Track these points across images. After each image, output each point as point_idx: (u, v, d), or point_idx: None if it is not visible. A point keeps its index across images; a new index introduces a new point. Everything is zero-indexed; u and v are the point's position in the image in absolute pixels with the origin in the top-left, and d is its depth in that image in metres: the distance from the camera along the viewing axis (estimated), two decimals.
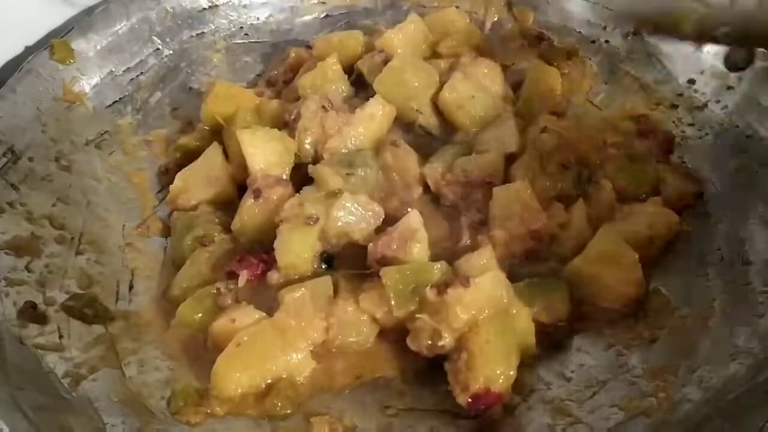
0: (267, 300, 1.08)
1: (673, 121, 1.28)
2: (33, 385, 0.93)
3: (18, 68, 1.26)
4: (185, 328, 1.08)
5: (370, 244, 1.08)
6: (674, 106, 1.28)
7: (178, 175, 1.25)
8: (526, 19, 1.49)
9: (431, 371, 1.02)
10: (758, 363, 0.92)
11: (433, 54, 1.37)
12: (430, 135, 1.27)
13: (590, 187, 1.18)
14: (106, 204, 1.24)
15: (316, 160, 1.20)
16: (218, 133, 1.29)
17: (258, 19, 1.52)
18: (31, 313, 1.03)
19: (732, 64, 1.23)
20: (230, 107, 1.28)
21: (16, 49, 1.32)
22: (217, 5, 1.48)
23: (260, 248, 1.13)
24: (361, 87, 1.33)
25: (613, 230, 1.10)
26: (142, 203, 1.28)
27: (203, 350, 1.05)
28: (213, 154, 1.25)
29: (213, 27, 1.48)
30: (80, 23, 1.34)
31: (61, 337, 1.03)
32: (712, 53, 1.26)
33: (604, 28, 1.43)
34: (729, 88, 1.22)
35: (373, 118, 1.21)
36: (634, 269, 1.07)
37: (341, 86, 1.32)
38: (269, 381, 0.99)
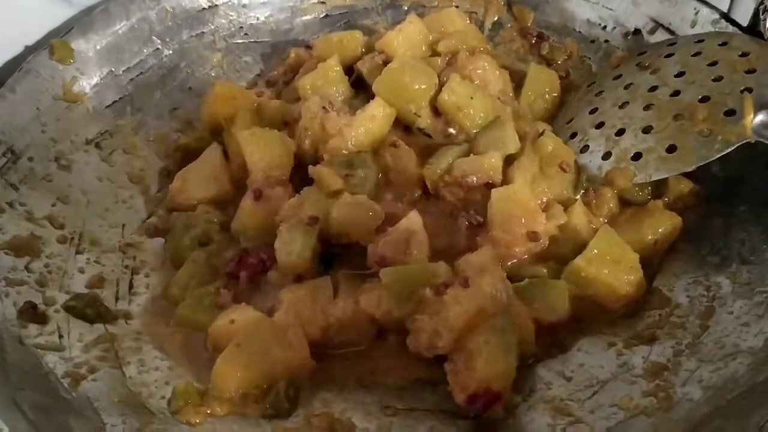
0: (267, 300, 1.08)
1: None
2: (33, 386, 0.93)
3: (17, 68, 1.25)
4: (184, 328, 1.08)
5: (370, 245, 1.09)
6: None
7: (178, 174, 1.25)
8: (525, 19, 1.49)
9: (431, 371, 1.02)
10: (759, 362, 0.92)
11: (433, 53, 1.37)
12: (430, 136, 1.27)
13: (591, 192, 1.18)
14: (106, 204, 1.24)
15: (316, 160, 1.20)
16: (218, 133, 1.29)
17: (258, 18, 1.52)
18: (31, 313, 1.03)
19: None
20: (230, 107, 1.28)
21: (15, 49, 1.32)
22: (216, 5, 1.48)
23: (260, 248, 1.13)
24: (361, 88, 1.32)
25: (612, 231, 1.10)
26: (142, 203, 1.28)
27: (203, 350, 1.05)
28: (213, 154, 1.25)
29: (213, 27, 1.48)
30: (80, 23, 1.34)
31: (60, 337, 1.03)
32: None
33: (604, 28, 1.43)
34: None
35: (374, 119, 1.21)
36: (634, 269, 1.07)
37: (342, 88, 1.31)
38: (269, 381, 0.99)
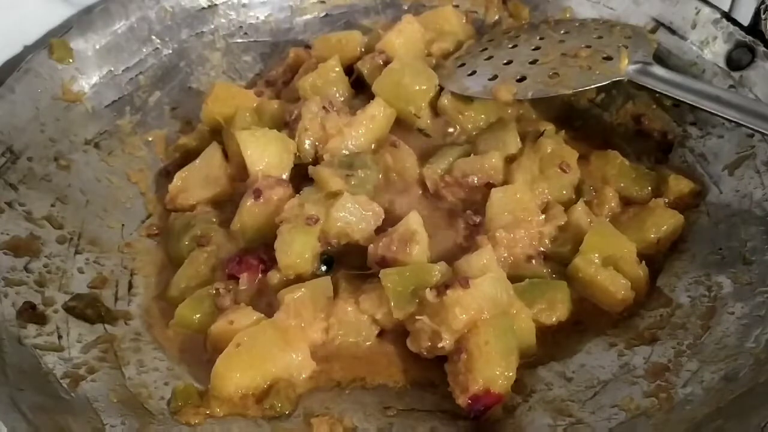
0: (267, 300, 1.08)
1: (675, 121, 1.27)
2: (32, 386, 0.93)
3: (17, 68, 1.25)
4: (184, 328, 1.08)
5: (370, 245, 1.08)
6: (676, 105, 1.27)
7: (177, 174, 1.25)
8: (520, 16, 1.47)
9: (431, 372, 1.02)
10: (760, 363, 0.92)
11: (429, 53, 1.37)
12: (430, 136, 1.27)
13: (591, 194, 1.18)
14: (105, 204, 1.24)
15: (316, 160, 1.20)
16: (218, 133, 1.29)
17: (257, 18, 1.51)
18: (30, 314, 1.02)
19: (734, 63, 1.23)
20: (230, 107, 1.27)
21: (14, 49, 1.32)
22: (216, 4, 1.48)
23: (260, 248, 1.12)
24: (360, 88, 1.32)
25: (608, 223, 1.11)
26: (142, 203, 1.27)
27: (202, 351, 1.05)
28: (212, 153, 1.25)
29: (212, 26, 1.48)
30: (79, 22, 1.33)
31: (60, 337, 1.02)
32: (714, 52, 1.25)
33: None
34: (731, 87, 1.22)
35: (374, 119, 1.21)
36: (632, 266, 1.07)
37: (342, 88, 1.31)
38: (269, 381, 0.99)
